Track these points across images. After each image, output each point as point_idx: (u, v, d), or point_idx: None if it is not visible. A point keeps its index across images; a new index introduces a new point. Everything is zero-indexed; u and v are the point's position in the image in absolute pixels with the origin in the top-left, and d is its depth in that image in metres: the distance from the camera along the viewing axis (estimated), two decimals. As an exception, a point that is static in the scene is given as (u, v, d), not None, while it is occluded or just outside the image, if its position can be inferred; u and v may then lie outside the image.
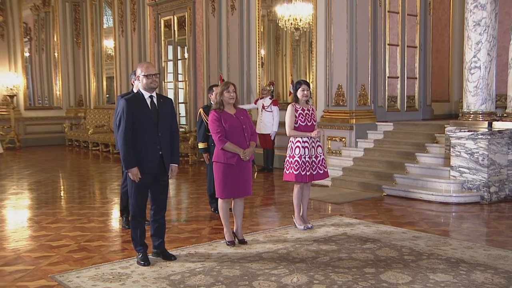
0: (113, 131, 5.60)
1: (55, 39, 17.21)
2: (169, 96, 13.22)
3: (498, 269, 4.35)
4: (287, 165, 5.72)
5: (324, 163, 5.79)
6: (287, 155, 5.75)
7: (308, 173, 5.63)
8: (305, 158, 5.62)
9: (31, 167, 11.73)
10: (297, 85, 5.77)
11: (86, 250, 5.13)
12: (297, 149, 5.63)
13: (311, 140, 5.65)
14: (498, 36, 7.62)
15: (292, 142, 5.70)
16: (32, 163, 12.57)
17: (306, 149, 5.63)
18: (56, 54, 17.26)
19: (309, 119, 5.69)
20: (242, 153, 4.95)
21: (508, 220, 6.34)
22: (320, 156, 5.74)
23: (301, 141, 5.63)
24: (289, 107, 5.72)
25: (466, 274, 4.23)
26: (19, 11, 16.45)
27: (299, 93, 5.69)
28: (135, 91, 5.11)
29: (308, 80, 10.05)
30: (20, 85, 16.45)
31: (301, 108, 5.69)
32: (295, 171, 5.62)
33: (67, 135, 16.84)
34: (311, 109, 5.78)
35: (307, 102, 5.77)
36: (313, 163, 5.67)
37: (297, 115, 5.65)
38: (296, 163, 5.62)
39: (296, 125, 5.65)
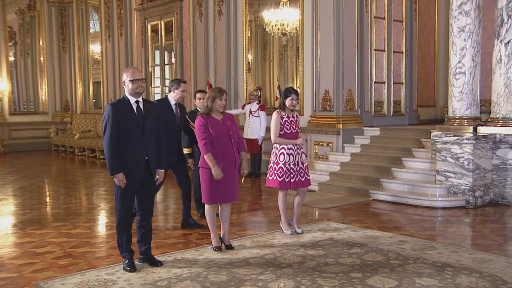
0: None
1: (40, 43, 17.08)
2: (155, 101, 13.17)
3: (483, 272, 4.39)
4: (271, 171, 5.72)
5: (307, 170, 5.80)
6: (271, 161, 5.75)
7: (292, 180, 5.63)
8: (289, 165, 5.62)
9: (16, 173, 11.60)
10: (287, 93, 5.72)
11: (71, 257, 5.08)
12: (282, 156, 5.63)
13: (296, 147, 5.66)
14: (482, 42, 7.72)
15: (277, 148, 5.70)
16: (17, 168, 12.43)
17: (291, 156, 5.63)
18: (41, 58, 17.13)
19: (294, 126, 5.70)
20: (214, 171, 4.89)
21: (492, 224, 6.40)
22: (305, 162, 5.77)
23: (286, 148, 5.64)
24: (275, 114, 5.71)
25: (451, 278, 4.26)
26: (3, 15, 16.30)
27: (288, 102, 5.68)
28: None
29: (295, 85, 10.10)
30: (5, 90, 16.28)
31: (286, 116, 5.69)
32: (279, 178, 5.62)
33: (53, 140, 16.69)
34: (296, 115, 5.80)
35: (292, 109, 5.78)
36: (300, 170, 5.68)
37: (282, 122, 5.64)
38: (280, 169, 5.62)
39: (281, 132, 5.65)
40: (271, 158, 5.76)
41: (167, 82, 13.68)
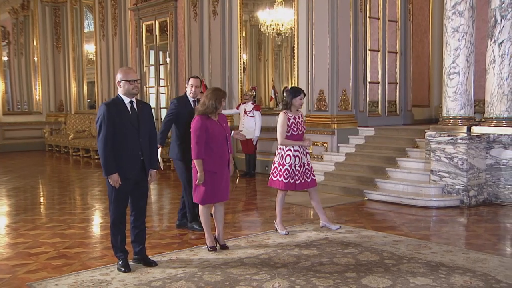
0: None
1: (34, 43, 16.99)
2: (150, 101, 13.18)
3: (477, 272, 4.41)
4: (275, 172, 5.71)
5: (313, 171, 5.82)
6: (276, 162, 5.74)
7: (297, 182, 5.65)
8: (295, 167, 5.63)
9: (10, 173, 11.54)
10: (295, 93, 5.69)
11: (65, 257, 5.06)
12: (288, 158, 5.64)
13: (301, 149, 5.67)
14: (476, 42, 7.76)
15: (283, 150, 5.68)
16: (11, 169, 12.37)
17: (297, 158, 5.65)
18: (35, 58, 17.04)
19: (300, 128, 5.71)
20: (199, 176, 4.91)
21: (486, 224, 6.43)
22: (310, 163, 5.79)
23: (292, 150, 5.63)
24: (281, 115, 5.68)
25: (445, 278, 4.27)
26: (-3, 14, 16.24)
27: (297, 101, 5.66)
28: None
29: (289, 86, 10.10)
30: (-1, 90, 16.23)
31: (293, 117, 5.68)
32: (285, 179, 5.63)
33: (47, 140, 16.61)
34: (301, 116, 5.80)
35: (297, 109, 5.78)
36: (306, 171, 5.71)
37: (289, 124, 5.63)
38: (286, 171, 5.63)
39: (288, 134, 5.64)
40: (276, 158, 5.75)
41: (161, 82, 13.66)
